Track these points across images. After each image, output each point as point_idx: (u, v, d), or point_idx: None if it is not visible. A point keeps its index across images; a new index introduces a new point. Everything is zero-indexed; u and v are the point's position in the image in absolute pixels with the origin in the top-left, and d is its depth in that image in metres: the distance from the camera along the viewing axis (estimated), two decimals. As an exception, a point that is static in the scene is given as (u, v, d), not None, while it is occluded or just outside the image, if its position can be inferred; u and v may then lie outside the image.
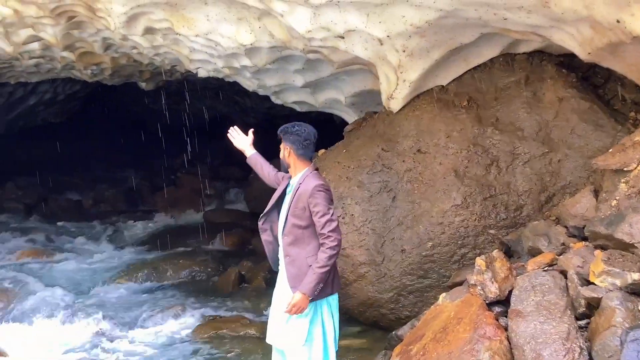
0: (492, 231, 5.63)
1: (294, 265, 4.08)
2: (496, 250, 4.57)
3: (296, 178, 4.22)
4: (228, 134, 4.86)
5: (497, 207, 5.67)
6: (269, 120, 18.04)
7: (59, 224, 12.39)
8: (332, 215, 4.03)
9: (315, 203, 4.01)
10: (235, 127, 4.87)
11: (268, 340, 4.31)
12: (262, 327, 6.83)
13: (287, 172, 4.34)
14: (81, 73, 10.55)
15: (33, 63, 9.77)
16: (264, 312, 7.52)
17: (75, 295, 8.01)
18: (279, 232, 4.21)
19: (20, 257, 9.84)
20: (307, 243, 4.07)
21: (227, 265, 9.26)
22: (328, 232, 3.98)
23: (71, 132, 18.01)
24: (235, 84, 8.97)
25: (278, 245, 4.25)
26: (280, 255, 4.24)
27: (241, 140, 4.77)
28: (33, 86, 15.61)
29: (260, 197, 12.31)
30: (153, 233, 12.10)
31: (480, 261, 4.30)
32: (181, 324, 7.18)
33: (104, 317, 7.24)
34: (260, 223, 4.33)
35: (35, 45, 8.65)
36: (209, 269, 9.28)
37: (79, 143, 17.71)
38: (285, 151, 4.22)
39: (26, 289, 7.96)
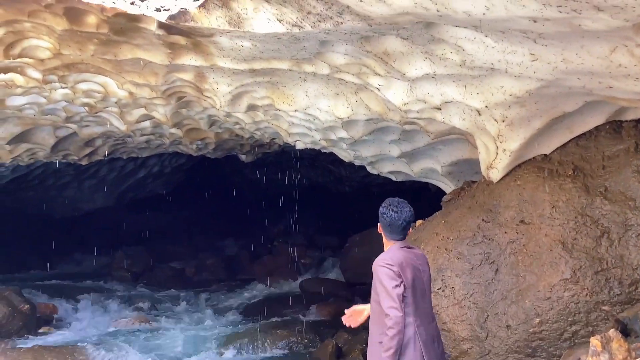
0: (605, 307, 5.28)
1: (371, 343, 4.04)
2: (612, 329, 4.28)
3: None
4: (345, 322, 4.61)
5: (610, 282, 5.33)
6: (363, 188, 18.15)
7: (163, 292, 12.82)
8: (389, 292, 3.88)
9: (374, 280, 4.01)
10: (347, 312, 4.64)
11: None
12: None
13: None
14: (187, 147, 11.14)
15: (144, 139, 10.43)
16: (362, 387, 7.37)
17: (177, 364, 8.17)
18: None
19: (126, 324, 10.22)
20: (381, 320, 4.00)
21: (324, 337, 9.19)
22: (386, 309, 3.87)
23: (176, 202, 18.89)
24: (330, 153, 9.14)
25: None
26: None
27: (358, 315, 4.55)
28: (142, 160, 16.61)
29: (356, 267, 12.36)
30: (251, 301, 12.28)
31: (595, 341, 4.03)
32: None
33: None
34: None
35: (146, 124, 9.26)
36: (306, 340, 9.24)
37: (182, 213, 18.52)
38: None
39: (129, 357, 8.20)
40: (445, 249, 6.16)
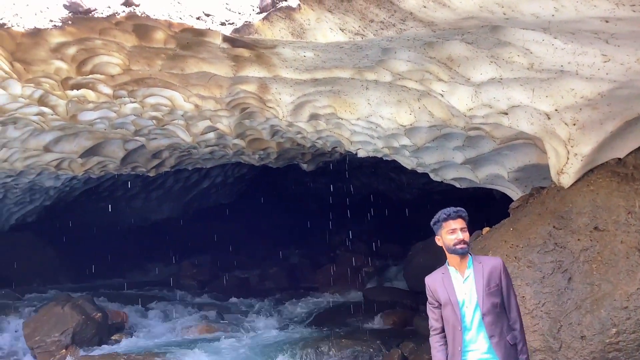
0: (688, 317, 5.02)
1: (500, 346, 3.98)
2: (698, 341, 4.06)
3: (468, 261, 4.15)
4: None
5: (692, 290, 5.07)
6: (425, 195, 17.95)
7: (229, 300, 13.01)
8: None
9: (504, 276, 4.11)
10: None
11: None
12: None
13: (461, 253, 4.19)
14: (249, 157, 11.30)
15: (208, 151, 10.65)
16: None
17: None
18: (466, 316, 4.08)
19: (194, 332, 10.42)
20: (503, 321, 4.07)
21: (389, 346, 9.10)
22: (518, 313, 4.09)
23: (239, 212, 19.19)
24: (391, 160, 9.09)
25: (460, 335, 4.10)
26: (474, 338, 4.08)
27: None
28: (206, 171, 16.97)
29: (421, 275, 12.15)
30: (315, 310, 12.30)
31: (680, 354, 3.83)
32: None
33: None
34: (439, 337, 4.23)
35: (211, 135, 9.46)
36: (371, 349, 9.16)
37: (245, 222, 18.79)
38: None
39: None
40: (515, 257, 6.00)
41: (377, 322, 10.90)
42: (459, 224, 4.13)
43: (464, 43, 5.07)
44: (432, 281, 4.27)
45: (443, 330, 4.21)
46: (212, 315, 11.56)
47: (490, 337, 4.01)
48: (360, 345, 9.26)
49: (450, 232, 4.13)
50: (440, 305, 4.20)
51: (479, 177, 8.13)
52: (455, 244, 4.11)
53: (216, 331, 10.50)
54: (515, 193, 7.95)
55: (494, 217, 7.64)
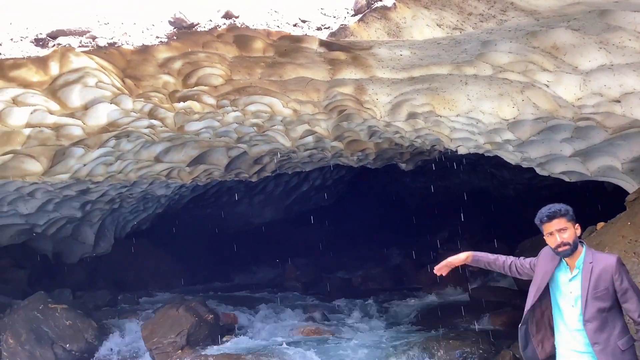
0: None
1: (606, 353, 3.74)
2: None
3: (580, 259, 3.92)
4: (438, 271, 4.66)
5: None
6: (529, 191, 17.31)
7: (333, 301, 13.12)
8: None
9: (622, 279, 3.80)
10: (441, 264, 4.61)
11: None
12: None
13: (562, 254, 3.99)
14: (348, 159, 11.37)
15: (307, 154, 10.82)
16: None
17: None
18: (565, 317, 3.90)
19: (300, 333, 10.60)
20: (613, 326, 3.78)
21: (499, 347, 8.83)
22: None
23: (339, 214, 19.34)
24: (493, 156, 8.83)
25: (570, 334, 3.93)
26: (573, 343, 3.89)
27: (453, 259, 4.56)
28: (306, 174, 17.25)
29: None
30: (419, 311, 12.17)
31: None
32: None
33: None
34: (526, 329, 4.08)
35: (309, 139, 9.60)
36: (481, 351, 8.93)
37: (346, 224, 18.91)
38: (577, 231, 3.96)
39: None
40: (634, 253, 5.67)
41: (485, 323, 10.63)
42: (555, 225, 3.92)
43: (569, 30, 4.85)
44: (544, 257, 4.12)
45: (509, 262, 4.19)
46: (318, 316, 11.71)
47: (594, 344, 3.77)
48: (469, 346, 9.04)
49: (549, 235, 3.95)
50: (532, 276, 4.11)
51: (590, 169, 7.75)
52: (555, 248, 3.94)
53: (322, 332, 10.62)
54: (630, 185, 7.51)
55: (606, 212, 7.25)
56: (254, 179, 11.97)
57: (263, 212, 19.21)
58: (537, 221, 4.02)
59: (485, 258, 4.37)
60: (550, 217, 3.93)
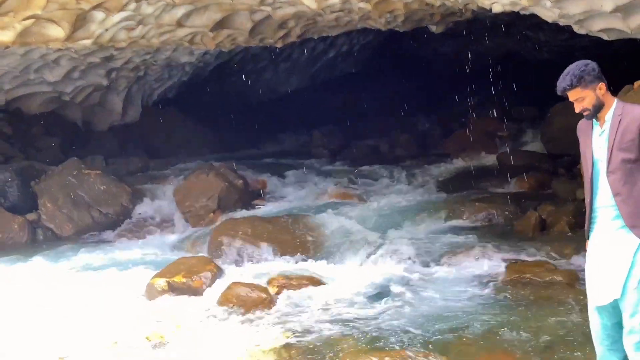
0: None
1: (627, 203, 3.69)
2: None
3: (609, 112, 3.78)
4: None
5: None
6: (564, 53, 16.68)
7: (360, 168, 13.23)
8: None
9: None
10: None
11: (599, 302, 3.77)
12: (569, 274, 6.48)
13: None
14: (375, 22, 10.94)
15: (333, 17, 10.44)
16: (570, 259, 7.10)
17: (378, 234, 8.48)
18: (600, 173, 3.82)
19: (329, 198, 10.81)
20: (638, 178, 3.67)
21: (526, 209, 8.92)
22: None
23: (366, 80, 19.02)
24: (526, 18, 8.39)
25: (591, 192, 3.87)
26: (602, 197, 3.84)
27: None
28: (332, 40, 16.79)
29: (560, 137, 11.61)
30: (447, 176, 12.26)
31: None
32: (481, 265, 7.15)
33: (404, 255, 7.59)
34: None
35: (335, 0, 9.20)
36: (507, 212, 9.05)
37: (373, 91, 18.65)
38: (600, 91, 3.78)
39: (336, 228, 8.69)
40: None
41: (512, 186, 10.70)
42: (572, 97, 3.78)
43: None
44: (579, 128, 3.99)
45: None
46: (345, 182, 11.88)
47: (615, 194, 3.70)
48: (495, 208, 9.16)
49: (572, 103, 3.84)
50: None
51: (631, 26, 7.34)
52: (580, 112, 3.84)
53: (350, 196, 10.81)
54: (673, 42, 7.13)
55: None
56: (278, 45, 11.67)
57: (289, 80, 18.99)
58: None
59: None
60: (563, 92, 3.80)
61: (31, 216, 9.79)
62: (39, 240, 9.63)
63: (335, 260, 7.84)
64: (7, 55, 10.40)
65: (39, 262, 8.28)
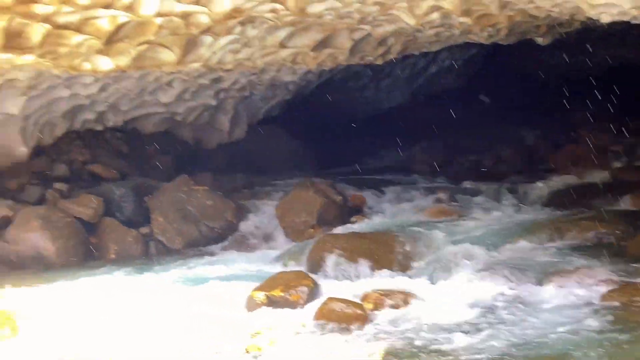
0: None
1: None
2: None
3: None
4: None
5: None
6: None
7: (462, 183, 12.99)
8: None
9: None
10: None
11: None
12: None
13: None
14: (477, 36, 10.79)
15: (433, 33, 10.41)
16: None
17: (479, 252, 8.29)
18: None
19: (429, 215, 10.68)
20: None
21: (639, 228, 8.39)
22: None
23: (469, 95, 18.69)
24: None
25: None
26: None
27: None
28: (433, 55, 16.69)
29: (683, 152, 10.86)
30: (553, 192, 11.73)
31: None
32: (587, 286, 6.81)
33: (506, 275, 7.36)
34: None
35: (435, 15, 9.17)
36: (618, 232, 8.54)
37: (476, 105, 18.28)
38: None
39: (435, 245, 8.59)
40: None
41: (625, 204, 10.09)
42: None
43: None
44: None
45: None
46: (446, 198, 11.69)
47: None
48: (605, 226, 8.67)
49: None
50: None
51: None
52: None
53: (451, 213, 10.64)
54: None
55: None
56: (379, 62, 11.77)
57: (390, 96, 19.02)
58: None
59: None
60: None
61: (144, 230, 10.40)
62: (151, 252, 10.20)
63: (433, 278, 7.74)
64: (124, 79, 11.18)
65: (152, 273, 8.76)
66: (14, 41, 7.65)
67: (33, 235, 9.40)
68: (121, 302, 7.42)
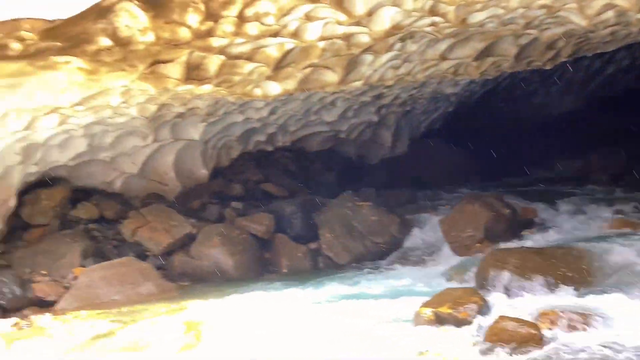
0: None
1: None
2: None
3: None
4: None
5: None
6: None
7: (647, 194, 11.87)
8: None
9: None
10: None
11: None
12: None
13: None
14: (660, 31, 9.87)
15: (608, 32, 9.70)
16: None
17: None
18: None
19: (609, 227, 9.91)
20: None
21: None
22: None
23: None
24: None
25: None
26: None
27: None
28: (610, 55, 15.54)
29: None
30: None
31: None
32: None
33: None
34: None
35: (609, 14, 8.58)
36: None
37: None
38: None
39: (618, 260, 7.94)
40: None
41: None
42: None
43: None
44: None
45: None
46: (628, 210, 10.76)
47: None
48: None
49: None
50: None
51: None
52: None
53: (633, 226, 9.77)
54: None
55: None
56: (547, 66, 11.18)
57: (562, 101, 17.98)
58: None
59: None
60: None
61: (312, 245, 10.75)
62: (320, 267, 10.51)
63: (616, 298, 7.12)
64: (291, 101, 11.73)
65: (321, 288, 9.00)
66: (194, 73, 8.40)
67: (214, 251, 10.09)
68: (292, 315, 7.72)
